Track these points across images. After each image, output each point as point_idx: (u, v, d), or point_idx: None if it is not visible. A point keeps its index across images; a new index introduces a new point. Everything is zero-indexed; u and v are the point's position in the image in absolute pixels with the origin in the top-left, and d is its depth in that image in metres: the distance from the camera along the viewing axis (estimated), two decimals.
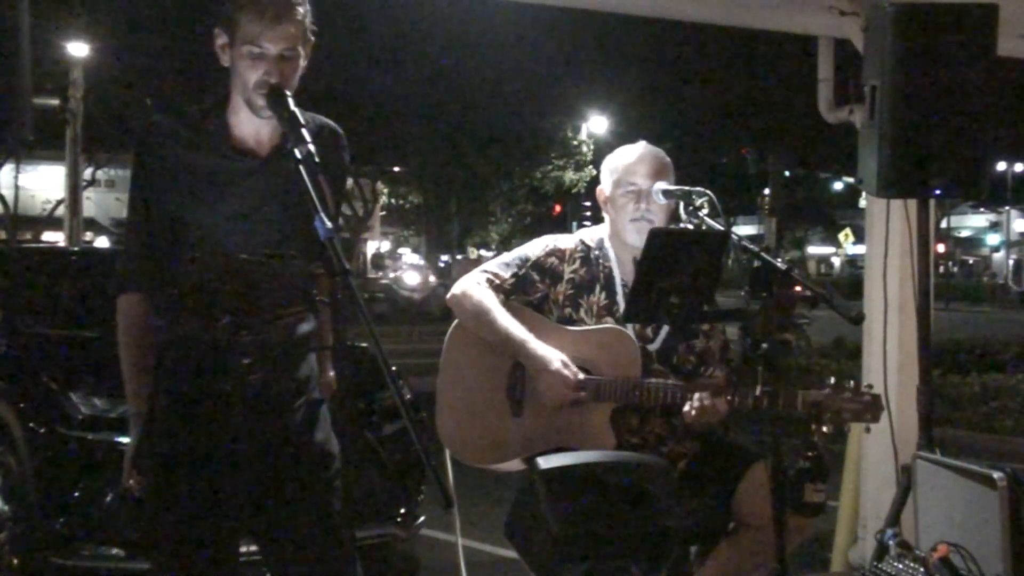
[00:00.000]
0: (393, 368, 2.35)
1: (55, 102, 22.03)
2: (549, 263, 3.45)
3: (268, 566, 2.75)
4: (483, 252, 40.74)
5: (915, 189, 3.58)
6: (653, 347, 3.40)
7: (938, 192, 3.57)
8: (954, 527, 2.91)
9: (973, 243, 59.10)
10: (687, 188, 3.23)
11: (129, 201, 2.72)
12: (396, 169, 35.10)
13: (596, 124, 34.64)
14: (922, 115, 3.47)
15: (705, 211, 3.12)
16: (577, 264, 3.45)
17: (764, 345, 2.81)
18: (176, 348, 2.63)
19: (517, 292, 3.43)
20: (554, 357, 3.26)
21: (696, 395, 3.18)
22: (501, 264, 3.48)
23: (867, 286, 5.04)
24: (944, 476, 3.02)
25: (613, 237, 3.47)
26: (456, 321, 3.46)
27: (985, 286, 47.51)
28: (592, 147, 32.57)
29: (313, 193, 2.39)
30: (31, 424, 4.96)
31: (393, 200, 41.51)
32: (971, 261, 60.07)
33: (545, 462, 2.93)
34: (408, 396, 5.42)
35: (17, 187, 29.90)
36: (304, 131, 2.46)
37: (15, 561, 4.87)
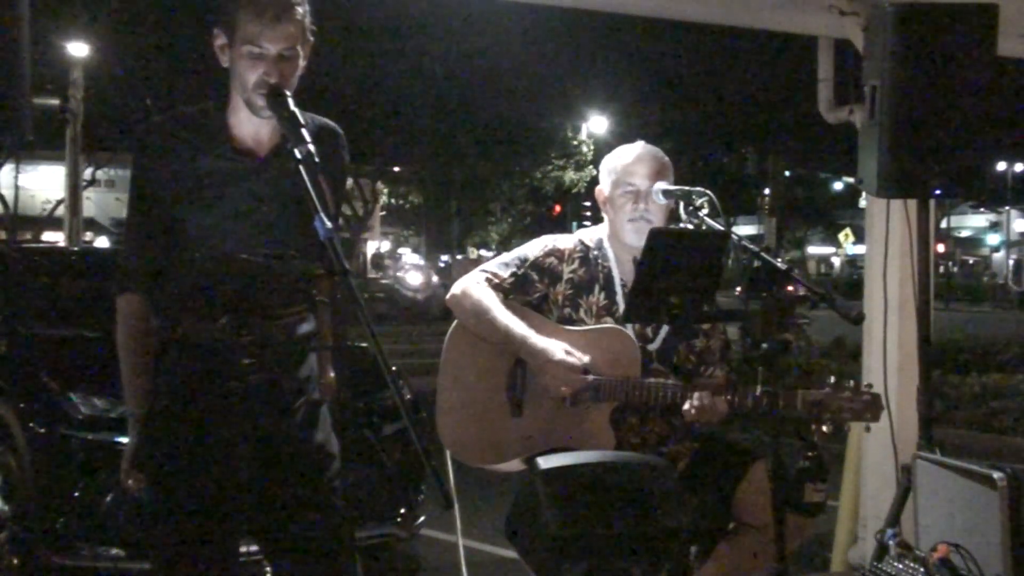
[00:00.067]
0: (393, 368, 2.35)
1: (55, 102, 22.01)
2: (548, 263, 3.45)
3: (269, 566, 2.75)
4: (483, 252, 40.74)
5: (915, 189, 3.58)
6: (653, 347, 3.40)
7: (938, 192, 3.57)
8: (954, 527, 2.91)
9: (973, 243, 59.09)
10: (687, 188, 3.23)
11: (129, 201, 2.72)
12: (396, 169, 35.08)
13: (596, 124, 34.62)
14: (922, 115, 3.47)
15: (705, 211, 3.12)
16: (576, 264, 3.45)
17: (764, 345, 2.81)
18: (176, 348, 2.63)
19: (516, 292, 3.43)
20: (556, 348, 3.27)
21: (696, 395, 3.18)
22: (500, 264, 3.48)
23: (867, 286, 5.04)
24: (944, 476, 3.02)
25: (612, 237, 3.47)
26: (456, 321, 3.46)
27: (985, 286, 47.51)
28: (592, 147, 32.54)
29: (313, 193, 2.39)
30: (31, 424, 4.96)
31: (393, 200, 41.51)
32: (971, 261, 60.06)
33: (545, 462, 2.93)
34: (408, 396, 5.42)
35: (17, 187, 29.92)
36: (304, 131, 2.46)
37: (15, 561, 4.87)
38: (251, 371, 2.61)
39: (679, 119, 34.39)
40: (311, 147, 2.44)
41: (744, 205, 45.82)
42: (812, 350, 13.36)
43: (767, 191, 42.97)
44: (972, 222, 57.09)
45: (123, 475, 2.71)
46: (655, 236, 2.86)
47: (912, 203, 3.77)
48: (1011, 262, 53.36)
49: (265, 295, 2.63)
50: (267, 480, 2.65)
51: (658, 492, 2.89)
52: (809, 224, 52.86)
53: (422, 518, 5.52)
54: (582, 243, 3.49)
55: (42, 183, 35.03)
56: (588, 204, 36.53)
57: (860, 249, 38.15)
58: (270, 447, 2.65)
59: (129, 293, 2.68)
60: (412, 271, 32.08)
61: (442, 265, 39.38)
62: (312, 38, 2.64)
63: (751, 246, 2.93)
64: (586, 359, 3.26)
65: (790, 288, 2.86)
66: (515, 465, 3.34)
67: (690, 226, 3.16)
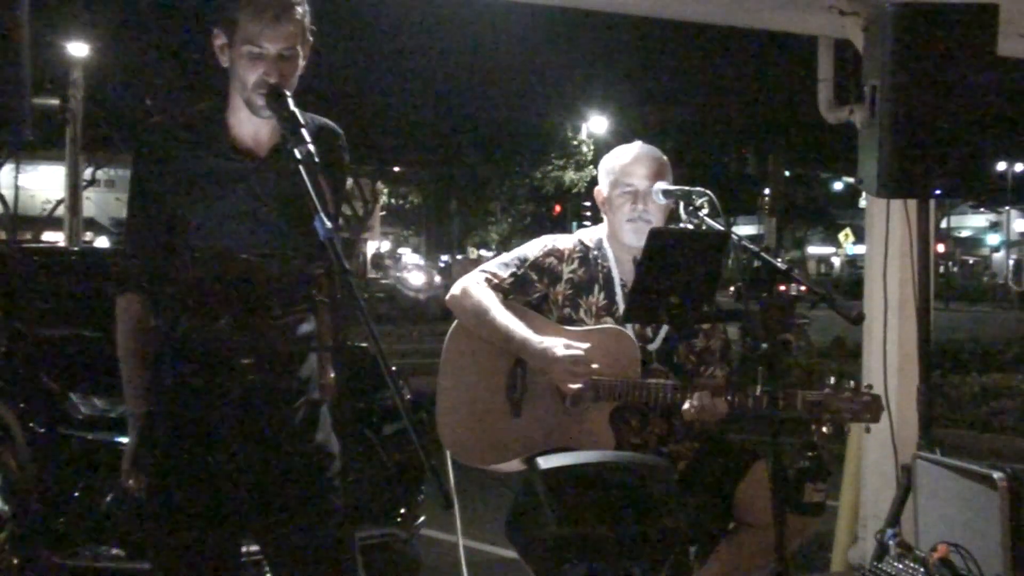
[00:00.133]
0: (393, 368, 2.35)
1: (55, 102, 22.03)
2: (548, 263, 3.45)
3: (270, 566, 2.75)
4: (483, 252, 40.74)
5: (915, 189, 3.58)
6: (653, 347, 3.40)
7: (938, 192, 3.58)
8: (954, 527, 2.91)
9: (973, 243, 59.09)
10: (687, 188, 3.23)
11: (129, 201, 2.72)
12: (396, 169, 35.10)
13: (596, 124, 34.63)
14: (922, 115, 3.47)
15: (705, 211, 3.12)
16: (576, 264, 3.45)
17: (764, 345, 2.81)
18: (176, 348, 2.63)
19: (516, 292, 3.43)
20: (556, 345, 3.26)
21: (696, 395, 3.18)
22: (500, 264, 3.48)
23: (867, 286, 5.03)
24: (944, 476, 3.02)
25: (611, 237, 3.47)
26: (456, 322, 3.46)
27: (985, 286, 47.52)
28: (592, 147, 32.56)
29: (313, 193, 2.39)
30: (31, 424, 4.96)
31: (393, 200, 41.52)
32: (971, 261, 60.06)
33: (545, 462, 2.93)
34: (408, 396, 5.42)
35: (17, 187, 29.93)
36: (304, 131, 2.46)
37: (15, 561, 4.87)
38: (251, 371, 2.61)
39: (679, 119, 34.38)
40: (311, 147, 2.44)
41: (744, 205, 45.78)
42: (812, 350, 13.37)
43: (767, 191, 42.94)
44: (972, 222, 57.09)
45: (123, 475, 2.71)
46: (655, 236, 2.86)
47: (912, 203, 3.77)
48: (1011, 262, 53.37)
49: (265, 295, 2.63)
50: (267, 480, 2.65)
51: (658, 492, 2.89)
52: (809, 224, 52.85)
53: (422, 518, 5.52)
54: (582, 243, 3.49)
55: (42, 183, 35.05)
56: (588, 204, 36.51)
57: (860, 249, 38.15)
58: (270, 447, 2.65)
59: (129, 293, 2.68)
60: (414, 271, 32.11)
61: (442, 265, 39.41)
62: (312, 38, 2.63)
63: (751, 246, 2.93)
64: (586, 345, 3.26)
65: (783, 288, 2.86)
66: (515, 465, 3.34)
67: (690, 226, 3.16)
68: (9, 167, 30.34)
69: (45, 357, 5.46)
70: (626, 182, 3.42)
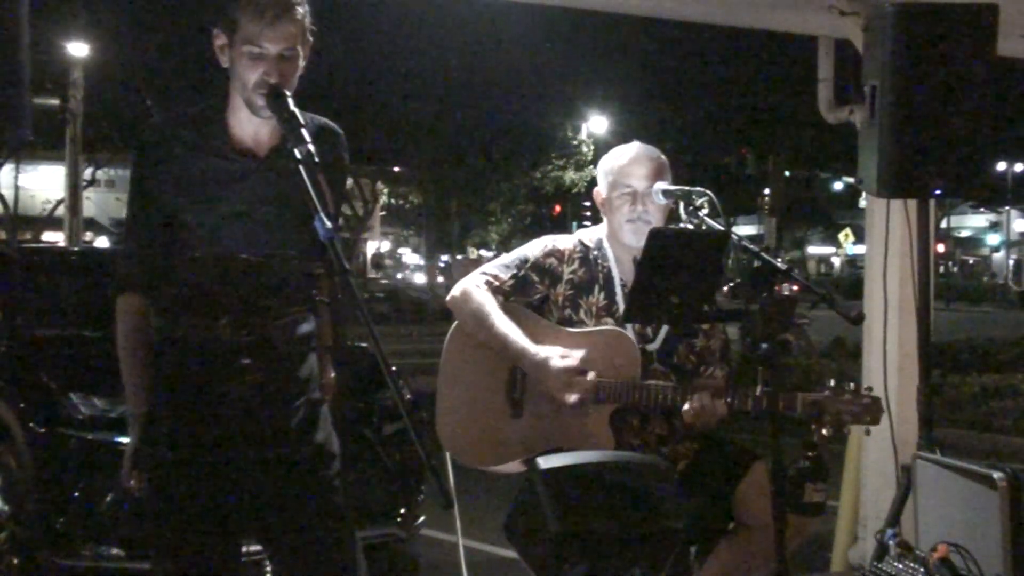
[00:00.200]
0: (393, 368, 2.35)
1: (55, 102, 22.04)
2: (548, 264, 3.45)
3: (272, 566, 2.75)
4: (483, 252, 40.74)
5: (915, 189, 3.58)
6: (653, 347, 3.40)
7: (938, 192, 3.57)
8: (954, 527, 2.91)
9: (973, 243, 59.08)
10: (687, 188, 3.23)
11: (129, 201, 2.72)
12: (396, 169, 35.09)
13: (596, 124, 34.63)
14: (922, 115, 3.47)
15: (705, 211, 3.12)
16: (576, 265, 3.45)
17: (764, 345, 2.81)
18: (176, 348, 2.63)
19: (517, 294, 3.43)
20: (552, 356, 3.26)
21: (696, 397, 3.18)
22: (501, 266, 3.47)
23: (867, 286, 5.03)
24: (944, 476, 3.02)
25: (611, 237, 3.47)
26: (456, 323, 3.46)
27: (985, 286, 47.51)
28: (592, 147, 32.55)
29: (313, 193, 2.39)
30: (31, 424, 4.96)
31: (393, 200, 41.49)
32: (971, 261, 60.06)
33: (545, 462, 2.93)
34: (408, 396, 5.42)
35: (17, 187, 29.90)
36: (304, 131, 2.46)
37: (15, 561, 4.87)
38: (251, 371, 2.61)
39: (679, 119, 34.40)
40: (311, 147, 2.44)
41: (744, 205, 45.78)
42: (812, 351, 13.36)
43: (767, 191, 42.94)
44: (972, 222, 57.08)
45: (123, 475, 2.71)
46: (655, 236, 2.85)
47: (912, 203, 3.77)
48: (1011, 262, 53.38)
49: (265, 295, 2.63)
50: (268, 480, 2.65)
51: (658, 492, 2.89)
52: (809, 224, 52.84)
53: (422, 518, 5.52)
54: (582, 243, 3.49)
55: (42, 183, 35.04)
56: (588, 204, 36.52)
57: (860, 249, 38.14)
58: (270, 447, 2.65)
59: (129, 293, 2.68)
60: (417, 272, 32.09)
61: (442, 265, 39.39)
62: (312, 38, 2.64)
63: (751, 246, 2.93)
64: (580, 353, 3.26)
65: (779, 287, 2.86)
66: (515, 467, 3.34)
67: (690, 226, 3.15)
68: (9, 167, 30.33)
69: (45, 357, 5.46)
70: (625, 183, 3.41)
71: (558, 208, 40.56)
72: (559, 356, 3.26)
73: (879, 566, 3.01)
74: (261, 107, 2.56)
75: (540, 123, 32.12)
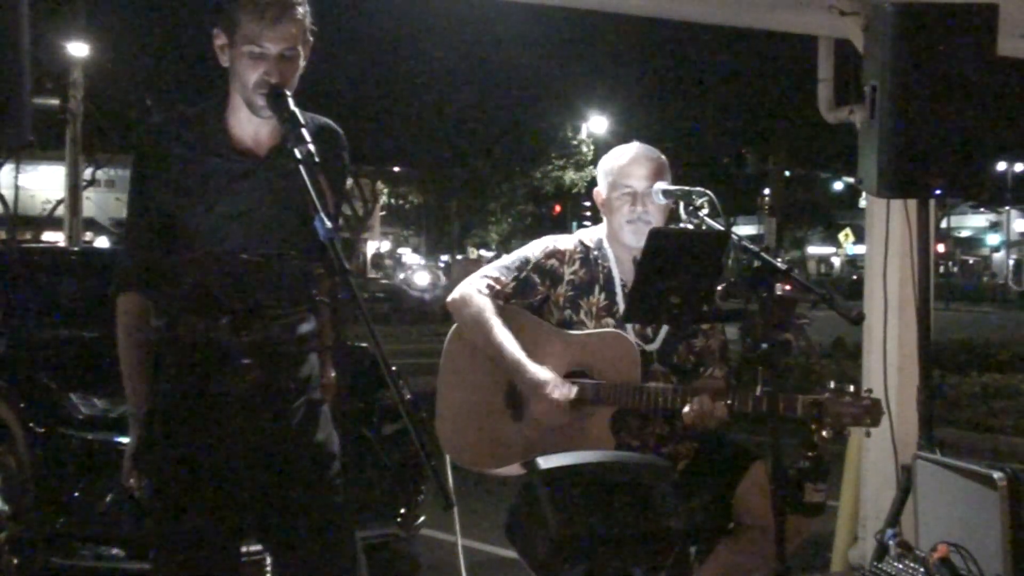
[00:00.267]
0: (393, 368, 2.35)
1: (55, 102, 22.03)
2: (549, 265, 3.45)
3: (272, 566, 2.76)
4: (483, 252, 40.74)
5: (915, 189, 3.58)
6: (653, 347, 3.40)
7: (938, 192, 3.57)
8: (954, 527, 2.91)
9: (973, 243, 59.07)
10: (687, 188, 3.23)
11: (128, 201, 2.72)
12: (396, 169, 35.10)
13: (596, 124, 34.63)
14: (922, 115, 3.46)
15: (705, 211, 3.12)
16: (577, 265, 3.45)
17: (764, 345, 2.81)
18: (176, 348, 2.63)
19: (517, 296, 3.43)
20: (546, 380, 3.26)
21: (696, 399, 3.18)
22: (502, 268, 3.47)
23: (867, 286, 5.03)
24: (944, 476, 3.02)
25: (611, 238, 3.47)
26: (455, 325, 3.46)
27: (985, 286, 47.51)
28: (592, 147, 32.55)
29: (313, 193, 2.39)
30: (31, 424, 4.96)
31: (393, 200, 41.51)
32: (971, 261, 60.05)
33: (545, 462, 2.93)
34: (408, 396, 5.42)
35: (17, 187, 29.92)
36: (304, 131, 2.46)
37: (15, 561, 4.87)
38: (251, 371, 2.61)
39: (679, 119, 34.37)
40: (311, 147, 2.44)
41: (744, 205, 45.75)
42: (813, 351, 13.34)
43: (767, 191, 42.92)
44: (972, 222, 57.08)
45: (123, 475, 2.71)
46: (655, 236, 2.85)
47: (912, 203, 3.76)
48: (1011, 262, 53.37)
49: (265, 295, 2.63)
50: (268, 480, 2.65)
51: (658, 492, 2.89)
52: (809, 224, 52.83)
53: (422, 518, 5.52)
54: (582, 244, 3.48)
55: (42, 183, 35.06)
56: (588, 204, 36.53)
57: (860, 249, 38.14)
58: (270, 447, 2.65)
59: (128, 292, 2.68)
60: (420, 271, 32.07)
61: (442, 265, 39.40)
62: (312, 38, 2.63)
63: (751, 246, 2.93)
64: (574, 391, 3.25)
65: (779, 287, 2.86)
66: (515, 470, 3.32)
67: (690, 226, 3.15)
68: (9, 167, 30.34)
69: (45, 357, 5.46)
70: (625, 183, 3.41)
71: (558, 208, 40.55)
72: (552, 383, 3.26)
73: (879, 566, 3.01)
74: (261, 107, 2.56)
75: (540, 123, 32.11)
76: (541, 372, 3.28)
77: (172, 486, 2.63)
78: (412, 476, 5.42)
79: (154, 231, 2.64)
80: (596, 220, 3.63)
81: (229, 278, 2.60)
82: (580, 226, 4.57)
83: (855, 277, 39.93)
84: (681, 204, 3.23)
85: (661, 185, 3.35)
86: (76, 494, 4.79)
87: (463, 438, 3.41)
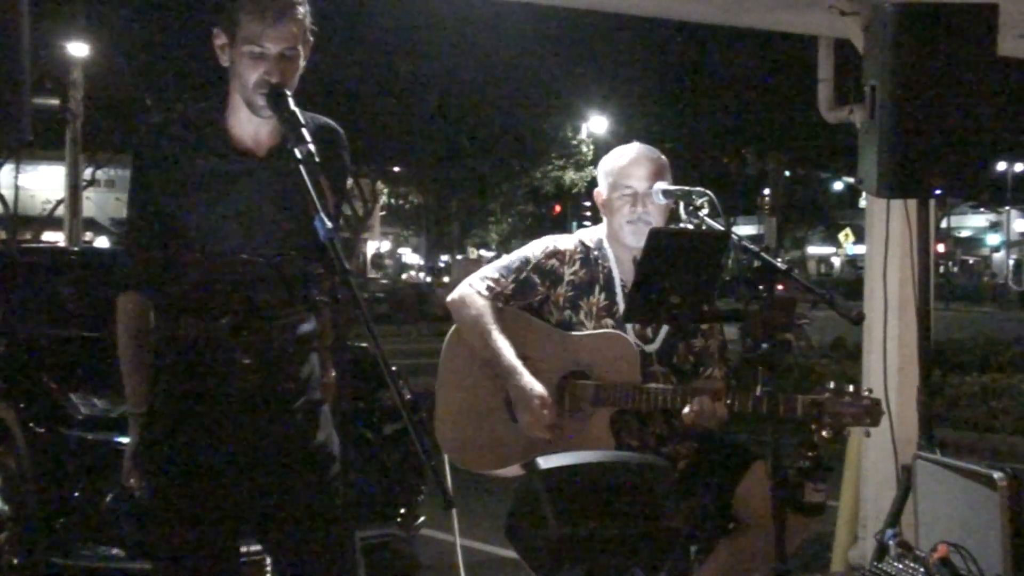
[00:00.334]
0: (393, 368, 2.35)
1: (55, 102, 22.03)
2: (549, 265, 3.45)
3: (272, 566, 2.76)
4: (483, 252, 40.74)
5: (915, 189, 3.58)
6: (653, 347, 3.40)
7: (938, 192, 3.57)
8: (954, 527, 2.91)
9: (973, 243, 59.06)
10: (687, 188, 3.23)
11: (128, 201, 2.71)
12: (396, 169, 35.08)
13: (596, 124, 34.60)
14: (922, 115, 3.47)
15: (705, 211, 3.12)
16: (577, 265, 3.45)
17: (764, 345, 2.81)
18: (176, 348, 2.63)
19: (517, 297, 3.42)
20: (535, 398, 3.26)
21: (695, 400, 3.17)
22: (502, 268, 3.46)
23: (867, 286, 5.04)
24: (944, 476, 3.02)
25: (611, 238, 3.47)
26: (454, 326, 3.46)
27: (985, 286, 47.50)
28: (592, 147, 32.54)
29: (313, 193, 2.39)
30: (31, 424, 4.96)
31: (393, 200, 41.50)
32: (971, 261, 60.05)
33: (545, 462, 2.93)
34: (408, 396, 5.42)
35: (17, 187, 29.90)
36: (304, 131, 2.46)
37: (15, 561, 4.87)
38: (251, 371, 2.61)
39: (679, 119, 34.35)
40: (311, 147, 2.44)
41: (744, 205, 45.75)
42: (813, 351, 13.35)
43: (767, 191, 42.95)
44: (972, 222, 57.06)
45: (123, 475, 2.71)
46: (655, 236, 2.86)
47: (912, 203, 3.77)
48: (1011, 262, 53.36)
49: (265, 295, 2.63)
50: (268, 480, 2.65)
51: (658, 492, 2.89)
52: (809, 224, 52.83)
53: (422, 518, 5.52)
54: (582, 244, 3.48)
55: (42, 183, 35.06)
56: (588, 204, 36.52)
57: (860, 249, 38.14)
58: (270, 447, 2.65)
59: (129, 292, 2.68)
60: (421, 272, 31.86)
61: (442, 265, 39.40)
62: (312, 38, 2.63)
63: (751, 246, 2.93)
64: (551, 422, 3.25)
65: (782, 288, 2.86)
66: (514, 471, 3.32)
67: (690, 226, 3.15)
68: (9, 167, 30.32)
69: (45, 357, 5.46)
70: (625, 184, 3.41)
71: (558, 208, 40.54)
72: (537, 400, 3.25)
73: (879, 566, 3.01)
74: (261, 107, 2.56)
75: (540, 123, 32.09)
76: (533, 385, 3.28)
77: (172, 486, 2.63)
78: (412, 476, 5.42)
79: (154, 231, 2.64)
80: (596, 220, 3.63)
81: (229, 278, 2.60)
82: (580, 226, 4.57)
83: (860, 270, 39.90)
84: (681, 204, 3.23)
85: (661, 185, 3.35)
86: (76, 494, 4.79)
87: (462, 439, 3.41)
